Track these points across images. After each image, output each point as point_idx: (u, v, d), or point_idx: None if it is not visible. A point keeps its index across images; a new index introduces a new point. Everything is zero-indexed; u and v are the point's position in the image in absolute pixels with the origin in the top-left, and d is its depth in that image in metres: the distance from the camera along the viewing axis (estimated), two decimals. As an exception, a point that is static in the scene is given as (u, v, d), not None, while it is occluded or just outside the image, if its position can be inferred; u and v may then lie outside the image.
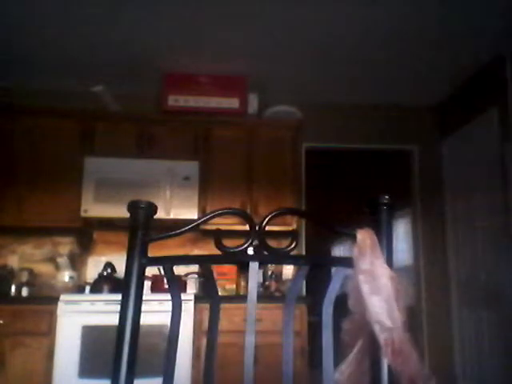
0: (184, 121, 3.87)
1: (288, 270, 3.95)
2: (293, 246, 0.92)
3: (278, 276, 3.81)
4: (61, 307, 3.14)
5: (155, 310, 2.85)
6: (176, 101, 3.89)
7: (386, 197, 0.93)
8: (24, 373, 3.10)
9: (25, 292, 3.53)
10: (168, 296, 0.99)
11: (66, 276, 3.74)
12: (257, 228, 0.91)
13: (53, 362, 3.06)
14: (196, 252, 3.90)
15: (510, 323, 3.34)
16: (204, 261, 1.05)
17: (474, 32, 3.27)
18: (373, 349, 0.85)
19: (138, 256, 0.92)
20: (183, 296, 2.90)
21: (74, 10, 3.08)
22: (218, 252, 0.91)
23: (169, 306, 0.99)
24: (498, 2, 2.95)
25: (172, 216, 3.55)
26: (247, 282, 0.94)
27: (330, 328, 0.90)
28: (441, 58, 3.62)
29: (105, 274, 3.54)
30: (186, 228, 0.94)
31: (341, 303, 0.99)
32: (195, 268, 3.55)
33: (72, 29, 3.30)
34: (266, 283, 3.76)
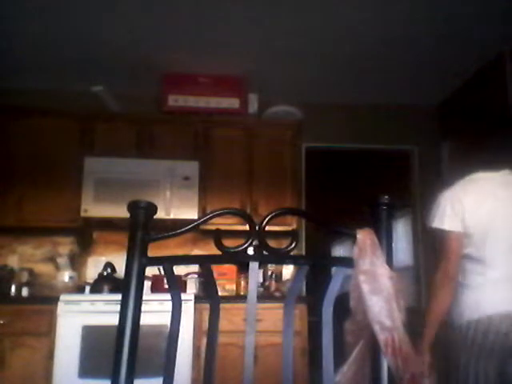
0: (184, 121, 3.87)
1: (288, 270, 3.95)
2: (293, 246, 0.91)
3: (278, 276, 3.81)
4: (61, 307, 3.14)
5: (155, 310, 2.85)
6: (176, 101, 3.88)
7: (386, 197, 0.93)
8: (24, 373, 3.10)
9: (25, 292, 3.53)
10: (168, 296, 0.99)
11: (66, 276, 3.74)
12: (257, 228, 0.91)
13: (53, 362, 3.06)
14: (196, 252, 3.90)
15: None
16: (204, 261, 1.05)
17: (474, 32, 3.27)
18: (373, 349, 0.85)
19: (138, 256, 0.92)
20: (183, 296, 2.90)
21: (73, 10, 3.09)
22: (218, 252, 0.91)
23: (169, 306, 0.99)
24: (499, 3, 2.95)
25: (172, 216, 3.55)
26: (247, 282, 0.95)
27: (330, 328, 0.89)
28: (441, 58, 3.62)
29: (105, 274, 3.54)
30: (186, 228, 0.94)
31: (341, 303, 0.99)
32: (195, 268, 3.55)
33: (72, 29, 3.30)
34: (266, 283, 3.75)
